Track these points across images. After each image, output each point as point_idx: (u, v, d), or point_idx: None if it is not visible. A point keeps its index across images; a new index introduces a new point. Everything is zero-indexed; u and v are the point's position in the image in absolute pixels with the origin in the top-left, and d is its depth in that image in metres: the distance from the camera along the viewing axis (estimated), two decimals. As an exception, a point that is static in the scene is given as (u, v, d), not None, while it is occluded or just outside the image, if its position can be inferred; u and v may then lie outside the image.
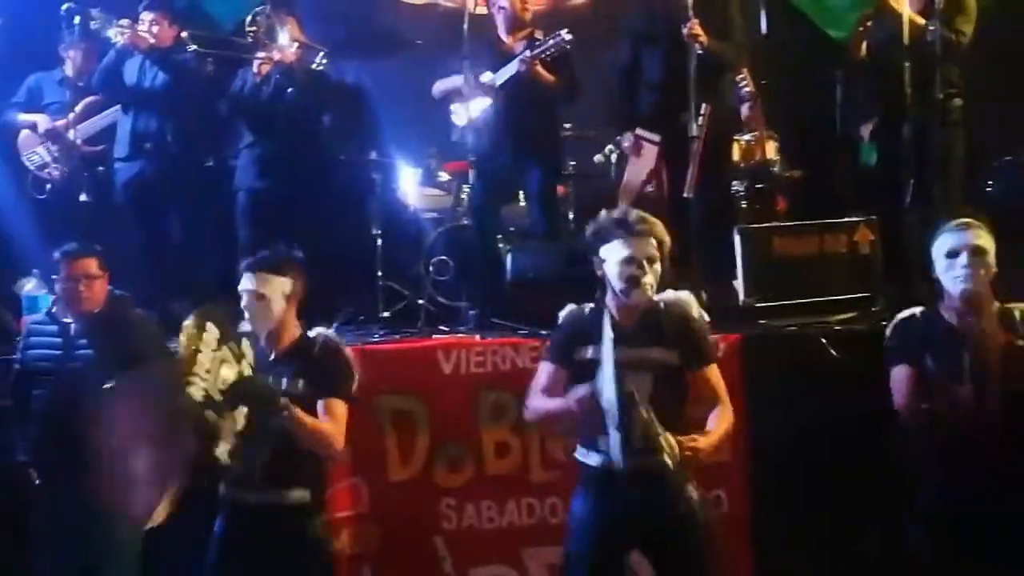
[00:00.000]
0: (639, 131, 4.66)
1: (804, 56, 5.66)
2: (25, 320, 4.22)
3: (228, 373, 2.84)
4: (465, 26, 4.39)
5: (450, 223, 5.09)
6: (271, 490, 3.00)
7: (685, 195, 4.22)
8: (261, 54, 4.59)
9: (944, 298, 3.00)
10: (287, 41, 4.61)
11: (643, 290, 2.84)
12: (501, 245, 4.71)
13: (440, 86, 4.77)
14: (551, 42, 4.40)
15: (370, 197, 4.98)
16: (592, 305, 3.00)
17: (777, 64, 5.49)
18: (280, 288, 3.10)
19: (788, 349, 4.13)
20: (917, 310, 3.07)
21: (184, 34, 4.73)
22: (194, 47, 4.70)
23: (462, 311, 4.68)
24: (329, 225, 4.95)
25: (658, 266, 2.87)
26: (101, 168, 4.97)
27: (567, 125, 5.08)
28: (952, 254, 2.93)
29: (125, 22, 4.70)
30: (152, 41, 4.71)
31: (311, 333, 3.19)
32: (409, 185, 5.25)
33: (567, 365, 2.93)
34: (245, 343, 2.98)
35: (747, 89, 5.11)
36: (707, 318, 3.06)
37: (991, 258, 2.94)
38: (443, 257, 4.90)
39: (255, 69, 4.60)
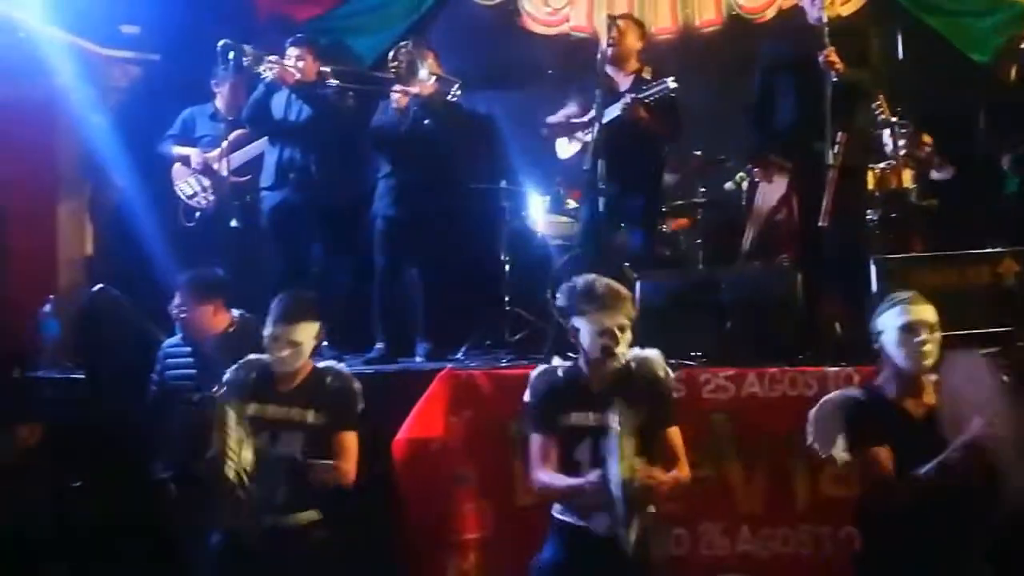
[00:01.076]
0: (771, 158, 4.60)
1: (944, 81, 5.47)
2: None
3: (247, 454, 3.02)
4: (599, 56, 4.46)
5: (577, 249, 5.12)
6: (284, 515, 3.13)
7: (820, 224, 4.13)
8: (399, 87, 4.74)
9: (887, 371, 2.91)
10: (426, 75, 4.74)
11: (617, 360, 2.95)
12: (628, 272, 4.72)
13: (553, 119, 4.88)
14: (656, 88, 4.43)
15: (499, 224, 5.07)
16: (565, 366, 3.05)
17: (915, 89, 5.33)
18: (312, 332, 3.24)
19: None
20: (856, 392, 2.98)
21: (326, 69, 4.94)
22: (336, 81, 4.91)
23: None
24: (459, 251, 5.07)
25: (629, 333, 2.95)
26: (248, 197, 5.19)
27: (697, 152, 5.07)
28: (908, 329, 2.83)
29: (273, 58, 4.92)
30: (298, 76, 4.90)
31: (320, 365, 3.31)
32: (537, 212, 5.33)
33: (554, 432, 2.97)
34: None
35: (882, 116, 4.97)
36: (672, 375, 3.11)
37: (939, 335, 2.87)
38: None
39: (394, 102, 4.75)
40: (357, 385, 3.29)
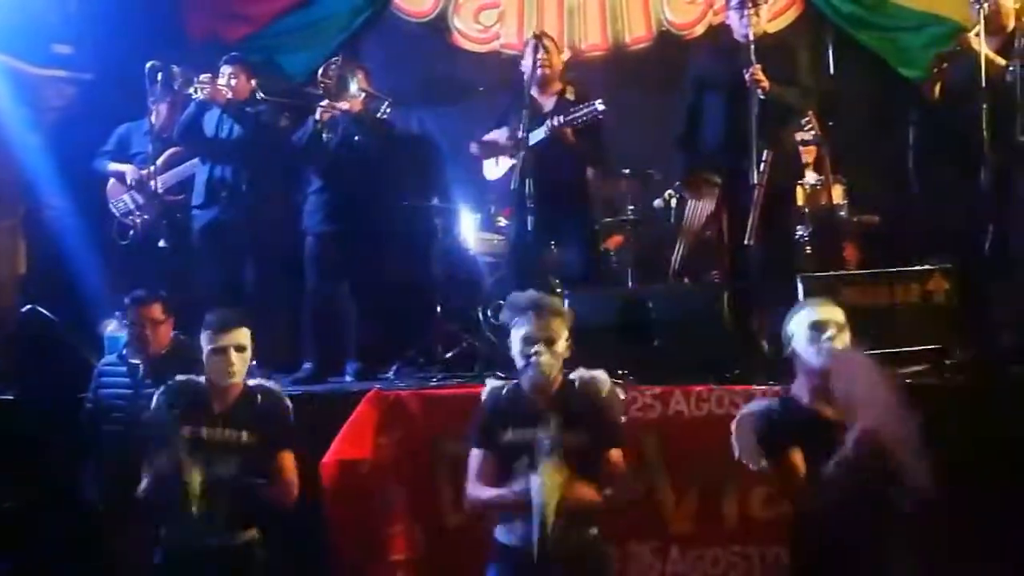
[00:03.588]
0: (699, 175, 4.61)
1: (875, 97, 5.51)
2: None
3: (194, 475, 3.02)
4: (526, 77, 4.45)
5: (507, 268, 5.09)
6: (225, 534, 3.11)
7: (746, 243, 4.14)
8: (325, 103, 4.73)
9: (800, 376, 2.93)
10: (355, 91, 4.74)
11: (541, 370, 2.89)
12: (558, 291, 4.72)
13: (481, 142, 4.87)
14: (584, 111, 4.42)
15: (431, 241, 5.06)
16: (511, 384, 3.03)
17: (846, 106, 5.36)
18: (249, 339, 3.22)
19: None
20: (771, 402, 3.02)
21: (255, 85, 4.92)
22: (266, 99, 4.88)
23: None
24: (391, 268, 5.06)
25: (560, 346, 2.91)
26: (179, 215, 5.14)
27: (626, 170, 5.07)
28: (816, 326, 2.88)
29: (205, 78, 4.88)
30: (229, 95, 4.88)
31: (251, 383, 3.27)
32: (469, 230, 5.31)
33: (492, 449, 2.96)
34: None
35: (813, 132, 5.00)
36: (622, 396, 3.11)
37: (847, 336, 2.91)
38: (501, 301, 4.93)
39: (317, 116, 4.73)
40: (287, 402, 3.26)
